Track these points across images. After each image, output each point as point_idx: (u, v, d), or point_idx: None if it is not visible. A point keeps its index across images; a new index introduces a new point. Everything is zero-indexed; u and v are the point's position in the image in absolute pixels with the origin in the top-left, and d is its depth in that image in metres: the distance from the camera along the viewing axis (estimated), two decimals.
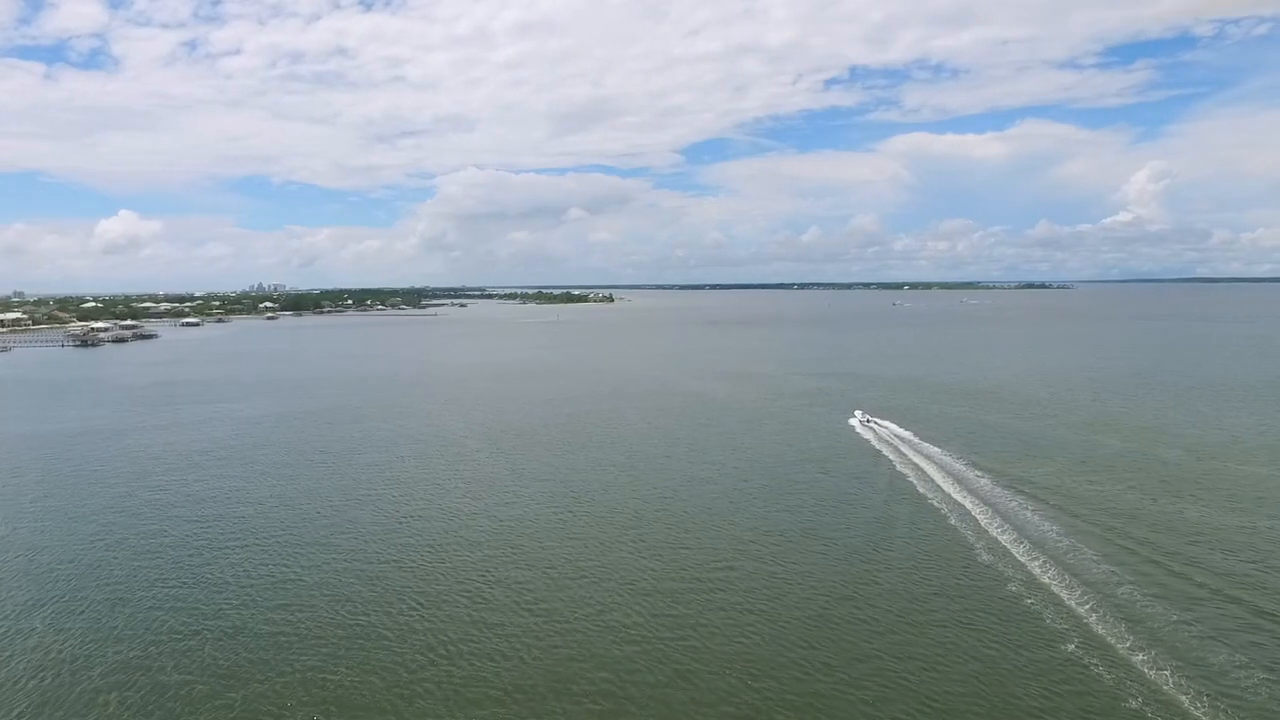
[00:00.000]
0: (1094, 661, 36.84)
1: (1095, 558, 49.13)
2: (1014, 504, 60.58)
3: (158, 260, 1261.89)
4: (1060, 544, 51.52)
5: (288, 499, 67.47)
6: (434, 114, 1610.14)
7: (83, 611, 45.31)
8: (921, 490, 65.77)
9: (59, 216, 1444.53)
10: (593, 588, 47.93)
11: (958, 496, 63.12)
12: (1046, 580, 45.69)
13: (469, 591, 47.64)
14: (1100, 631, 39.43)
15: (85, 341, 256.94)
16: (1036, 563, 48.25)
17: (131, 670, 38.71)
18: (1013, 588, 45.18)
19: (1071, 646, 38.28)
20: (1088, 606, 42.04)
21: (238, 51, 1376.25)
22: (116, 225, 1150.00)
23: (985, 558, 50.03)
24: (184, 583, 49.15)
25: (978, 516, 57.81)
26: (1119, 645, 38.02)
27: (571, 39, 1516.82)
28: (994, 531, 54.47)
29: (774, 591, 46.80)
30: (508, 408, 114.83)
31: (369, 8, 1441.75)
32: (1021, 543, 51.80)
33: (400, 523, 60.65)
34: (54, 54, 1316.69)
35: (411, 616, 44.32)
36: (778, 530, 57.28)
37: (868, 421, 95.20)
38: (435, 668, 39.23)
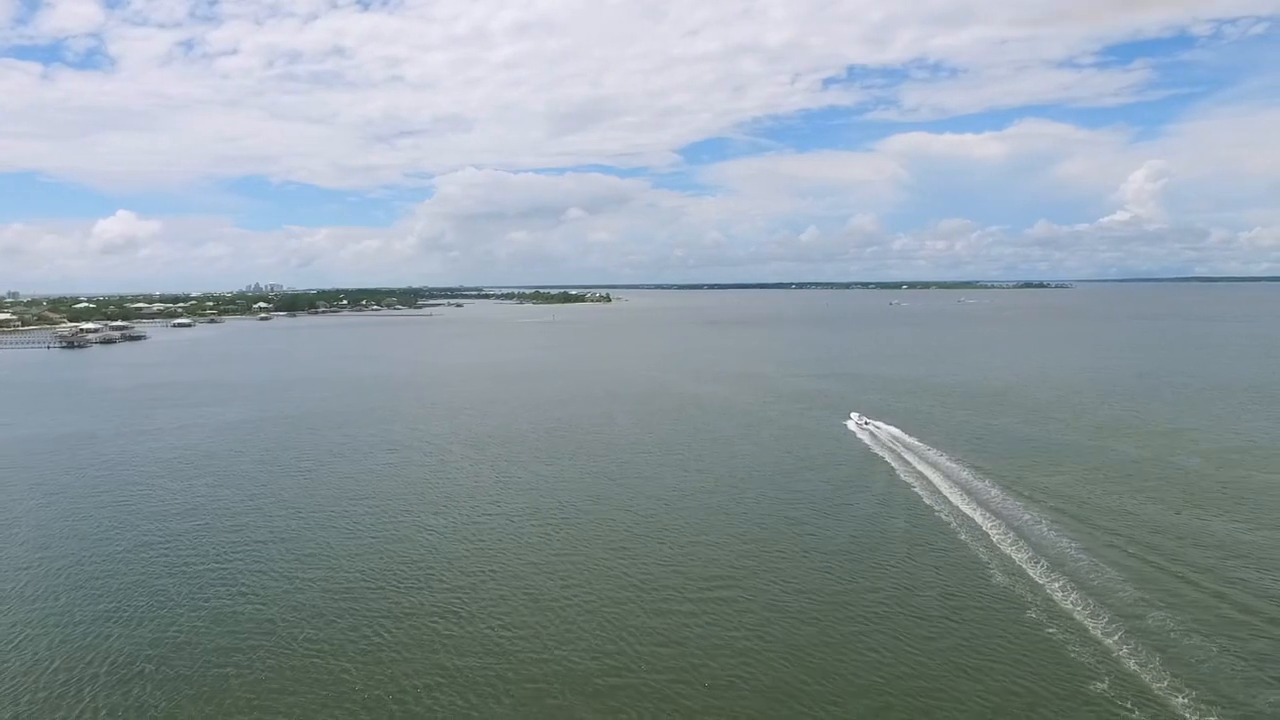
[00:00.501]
0: (1128, 705, 33.04)
1: (1120, 578, 45.39)
2: (1027, 517, 56.84)
3: (156, 260, 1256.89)
4: (1080, 563, 47.79)
5: (258, 512, 63.55)
6: (432, 114, 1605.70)
7: (8, 646, 41.32)
8: (928, 502, 62.01)
9: (56, 216, 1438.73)
10: (576, 615, 44.09)
11: (966, 509, 59.39)
12: (1068, 606, 41.94)
13: (441, 621, 43.74)
14: (1133, 667, 35.68)
15: (72, 343, 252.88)
16: (1056, 584, 44.49)
17: (52, 715, 34.80)
18: (1032, 614, 41.43)
19: (1102, 685, 34.49)
20: (1117, 637, 38.28)
21: (235, 51, 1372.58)
22: (114, 225, 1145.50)
23: (1000, 578, 46.28)
24: (128, 609, 45.14)
25: (989, 531, 54.07)
26: (1155, 684, 34.24)
27: (570, 39, 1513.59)
28: (1007, 548, 50.74)
29: (771, 619, 42.98)
30: (496, 411, 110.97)
31: (366, 7, 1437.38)
32: (1038, 561, 48.05)
33: (372, 540, 56.73)
34: (50, 54, 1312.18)
35: (375, 649, 40.42)
36: (775, 549, 53.47)
37: (865, 424, 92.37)
38: (402, 708, 35.44)
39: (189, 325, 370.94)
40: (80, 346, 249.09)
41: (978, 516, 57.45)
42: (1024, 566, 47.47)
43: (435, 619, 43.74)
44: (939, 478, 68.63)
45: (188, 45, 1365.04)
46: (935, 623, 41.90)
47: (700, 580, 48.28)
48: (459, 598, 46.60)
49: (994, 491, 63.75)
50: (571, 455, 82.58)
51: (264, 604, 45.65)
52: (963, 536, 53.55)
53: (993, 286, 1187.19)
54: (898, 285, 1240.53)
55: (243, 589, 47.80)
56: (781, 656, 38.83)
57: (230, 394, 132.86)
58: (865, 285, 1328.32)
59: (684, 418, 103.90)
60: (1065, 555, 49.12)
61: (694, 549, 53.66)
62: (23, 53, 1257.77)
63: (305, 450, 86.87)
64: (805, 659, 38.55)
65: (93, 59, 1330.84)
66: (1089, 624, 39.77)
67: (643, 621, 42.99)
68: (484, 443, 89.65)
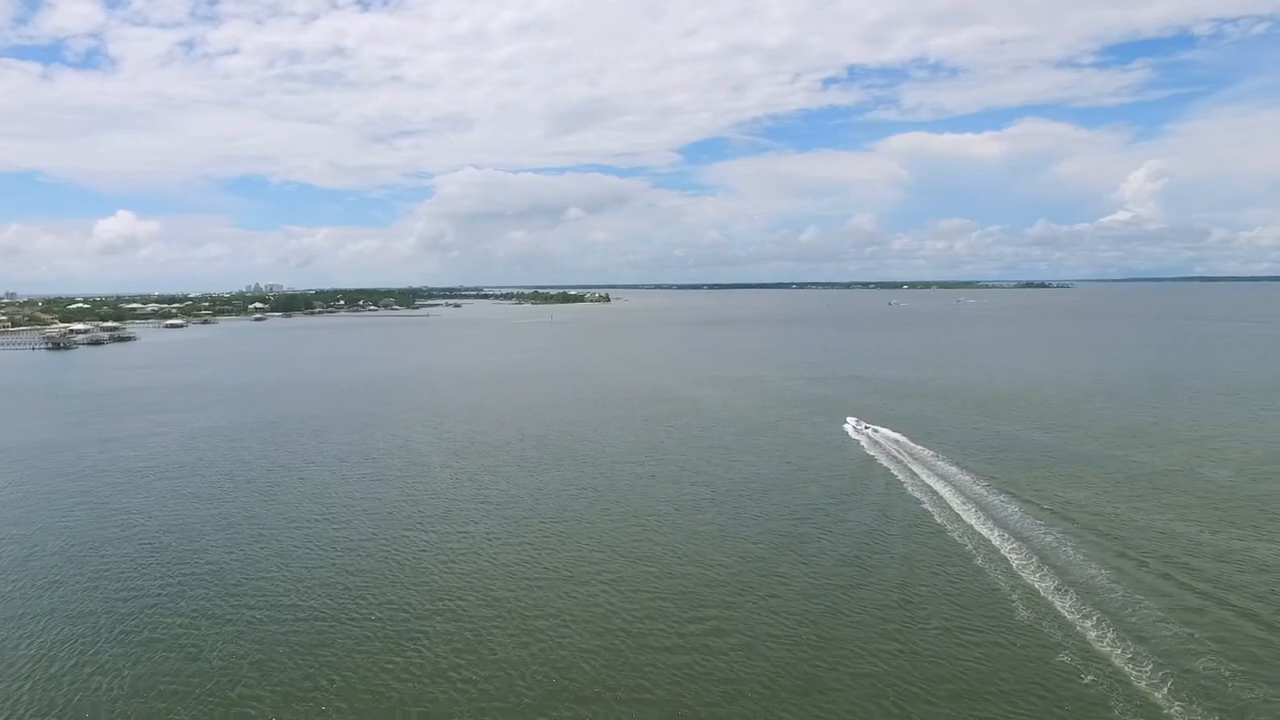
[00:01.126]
0: None
1: (1159, 611, 40.52)
2: (1049, 538, 51.93)
3: (155, 261, 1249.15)
4: (1114, 594, 42.87)
5: (219, 532, 58.53)
6: (431, 114, 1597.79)
7: None
8: (939, 520, 57.10)
9: (56, 217, 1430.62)
10: (554, 657, 39.21)
11: (981, 528, 54.50)
12: (1105, 648, 37.03)
13: (400, 660, 38.88)
14: None
15: (58, 344, 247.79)
16: (1089, 621, 39.58)
17: None
18: (1064, 658, 36.51)
19: None
20: (1167, 688, 33.33)
21: (235, 51, 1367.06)
22: (114, 225, 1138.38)
23: (1023, 613, 41.37)
24: (45, 655, 40.33)
25: (1008, 555, 49.16)
26: None
27: (569, 38, 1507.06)
28: (1029, 576, 45.81)
29: (766, 658, 38.15)
30: (482, 417, 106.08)
31: (366, 7, 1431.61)
32: (1065, 592, 43.15)
33: (334, 568, 51.74)
34: (51, 54, 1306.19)
35: (319, 697, 35.57)
36: (774, 573, 48.55)
37: (864, 428, 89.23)
38: None
39: (181, 326, 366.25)
40: (66, 348, 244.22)
41: (994, 537, 52.58)
42: (1050, 599, 42.56)
43: (393, 658, 38.83)
44: (950, 491, 63.78)
45: (188, 45, 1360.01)
46: (952, 664, 37.11)
47: (692, 611, 43.40)
48: (423, 630, 41.79)
49: (1011, 508, 58.90)
50: (558, 466, 77.70)
51: (198, 647, 40.60)
52: (979, 561, 48.65)
53: (993, 286, 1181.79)
54: (898, 285, 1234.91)
55: (180, 630, 42.71)
56: (781, 706, 33.99)
57: (210, 398, 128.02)
58: (865, 285, 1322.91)
59: (679, 424, 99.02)
60: (1096, 584, 44.23)
61: (686, 574, 48.75)
62: (22, 52, 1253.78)
63: (278, 460, 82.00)
64: (804, 709, 33.70)
65: (93, 59, 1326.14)
66: (1130, 671, 34.85)
67: (626, 661, 38.18)
68: (467, 452, 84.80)
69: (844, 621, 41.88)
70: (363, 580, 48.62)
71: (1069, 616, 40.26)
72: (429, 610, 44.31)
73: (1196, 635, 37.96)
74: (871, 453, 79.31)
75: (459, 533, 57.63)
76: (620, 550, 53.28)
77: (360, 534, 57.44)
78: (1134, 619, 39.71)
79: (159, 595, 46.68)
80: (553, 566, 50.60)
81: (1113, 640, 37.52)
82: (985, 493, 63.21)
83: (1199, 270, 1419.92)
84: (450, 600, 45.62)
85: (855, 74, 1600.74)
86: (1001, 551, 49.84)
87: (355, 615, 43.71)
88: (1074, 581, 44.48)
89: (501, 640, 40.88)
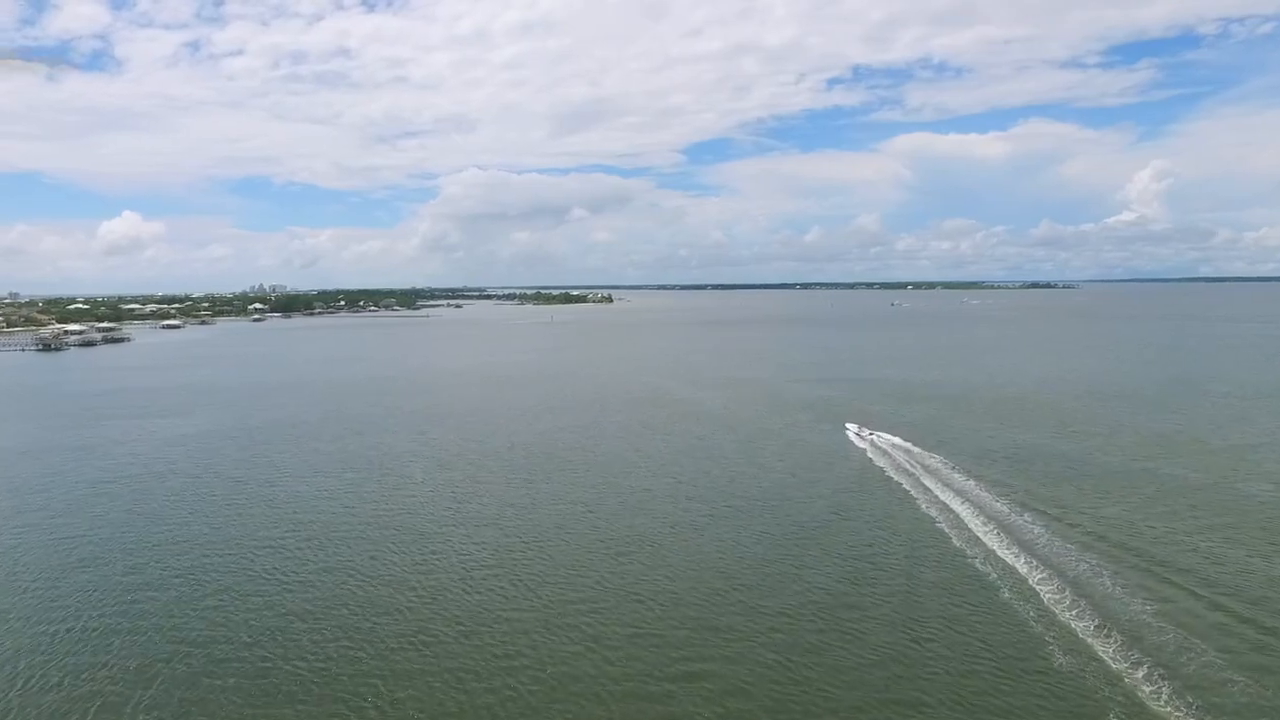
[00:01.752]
0: None
1: (1219, 657, 35.54)
2: (1083, 565, 46.97)
3: (159, 262, 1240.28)
4: (1165, 635, 37.90)
5: (172, 553, 53.72)
6: (435, 114, 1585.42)
7: None
8: (958, 544, 52.12)
9: (59, 218, 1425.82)
10: (523, 700, 34.45)
11: (1005, 554, 49.47)
12: (1163, 707, 32.01)
13: (355, 706, 34.11)
14: None
15: (49, 345, 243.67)
16: (1140, 671, 34.63)
17: None
18: None
19: None
20: None
21: (240, 52, 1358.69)
22: (118, 226, 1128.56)
23: (1061, 660, 36.39)
24: None
25: (1038, 588, 44.12)
26: None
27: (570, 38, 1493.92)
28: (1065, 614, 40.76)
29: (766, 711, 33.31)
30: (471, 423, 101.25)
31: (371, 8, 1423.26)
32: (1109, 633, 38.20)
33: (291, 594, 47.01)
34: (56, 55, 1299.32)
35: None
36: (777, 610, 43.57)
37: (867, 435, 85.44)
38: None
39: (178, 326, 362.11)
40: (57, 349, 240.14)
41: (1020, 564, 47.63)
42: (1091, 641, 37.61)
43: (343, 710, 34.11)
44: (966, 509, 58.88)
45: (194, 46, 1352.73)
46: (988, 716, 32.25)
47: (685, 650, 38.65)
48: (379, 674, 37.07)
49: (1035, 528, 53.95)
50: (548, 479, 72.83)
51: (122, 698, 35.93)
52: (1007, 595, 43.64)
53: (998, 287, 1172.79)
54: (902, 285, 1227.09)
55: (105, 680, 37.90)
56: None
57: (195, 401, 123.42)
58: (869, 285, 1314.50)
59: (677, 430, 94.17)
60: (1142, 621, 39.30)
61: (679, 612, 43.79)
62: (28, 54, 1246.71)
63: (253, 471, 77.13)
64: None
65: (98, 60, 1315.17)
66: None
67: (607, 712, 33.38)
68: (452, 462, 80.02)
69: (853, 665, 37.07)
70: (319, 617, 43.72)
71: (1115, 666, 35.29)
72: (387, 651, 39.49)
73: (1266, 684, 33.03)
74: (880, 463, 74.49)
75: (432, 557, 52.77)
76: (609, 581, 48.38)
77: (325, 561, 52.53)
78: (1191, 667, 34.77)
79: (93, 634, 41.87)
80: (533, 598, 45.74)
81: (1170, 696, 32.57)
82: (1005, 510, 58.30)
83: (1204, 271, 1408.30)
84: (414, 639, 40.76)
85: (860, 74, 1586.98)
86: (1030, 582, 44.88)
87: (307, 655, 38.93)
88: (1117, 619, 39.54)
89: (471, 687, 36.18)
